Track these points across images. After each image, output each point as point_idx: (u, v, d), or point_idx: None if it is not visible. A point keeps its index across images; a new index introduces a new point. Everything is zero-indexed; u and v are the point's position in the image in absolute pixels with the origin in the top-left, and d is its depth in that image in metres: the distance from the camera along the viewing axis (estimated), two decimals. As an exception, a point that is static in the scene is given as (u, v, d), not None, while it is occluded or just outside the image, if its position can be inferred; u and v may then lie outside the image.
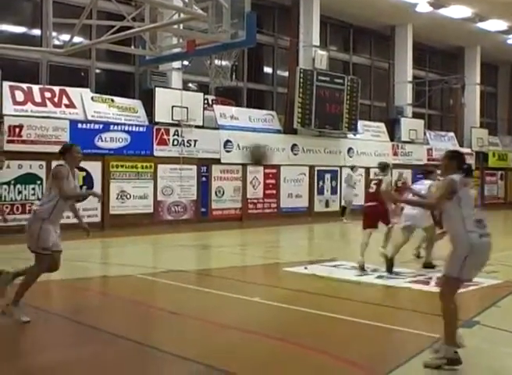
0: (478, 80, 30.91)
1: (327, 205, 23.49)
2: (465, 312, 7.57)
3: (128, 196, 17.81)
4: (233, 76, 18.48)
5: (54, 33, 12.92)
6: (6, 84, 16.05)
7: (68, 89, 17.22)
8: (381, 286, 9.36)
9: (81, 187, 16.63)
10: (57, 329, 6.80)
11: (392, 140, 26.25)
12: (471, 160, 29.58)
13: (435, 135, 29.02)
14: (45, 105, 16.61)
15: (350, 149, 24.23)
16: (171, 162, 18.75)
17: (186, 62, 19.78)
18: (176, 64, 19.26)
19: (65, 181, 6.62)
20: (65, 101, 17.04)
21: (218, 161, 19.95)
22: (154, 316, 7.62)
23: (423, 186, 10.30)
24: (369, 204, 10.79)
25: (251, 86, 23.37)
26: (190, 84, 21.68)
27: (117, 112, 18.04)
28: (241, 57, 21.64)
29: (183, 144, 19.02)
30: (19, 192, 15.61)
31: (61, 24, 13.30)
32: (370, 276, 10.01)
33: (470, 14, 24.77)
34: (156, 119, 18.40)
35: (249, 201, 20.92)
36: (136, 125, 18.13)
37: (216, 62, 17.13)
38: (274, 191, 21.71)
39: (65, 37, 14.19)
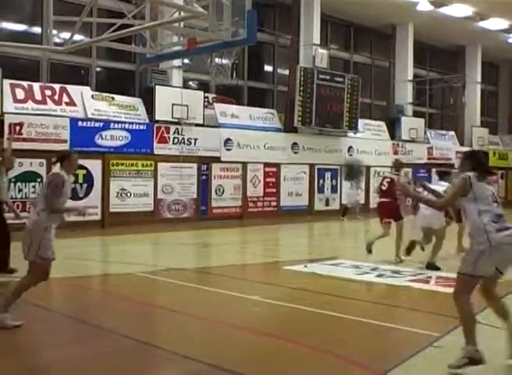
0: (479, 79, 30.90)
1: (327, 203, 23.50)
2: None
3: (128, 194, 17.82)
4: (234, 74, 18.47)
5: (54, 31, 12.88)
6: (7, 82, 16.04)
7: (68, 87, 17.22)
8: (381, 284, 9.37)
9: (81, 185, 16.68)
10: (58, 327, 6.79)
11: (392, 138, 26.25)
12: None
13: (436, 134, 29.01)
14: (46, 103, 16.61)
15: (350, 148, 24.23)
16: (171, 160, 18.75)
17: (186, 61, 19.79)
18: (177, 62, 19.27)
19: (58, 194, 6.43)
20: (65, 99, 17.04)
21: (218, 159, 19.95)
22: (154, 314, 7.62)
23: (440, 187, 10.06)
24: (383, 200, 11.47)
25: (252, 84, 23.36)
26: (191, 82, 21.68)
27: (117, 110, 18.04)
28: (242, 55, 21.63)
29: (184, 143, 19.02)
30: (20, 190, 15.62)
31: (61, 22, 13.28)
32: (370, 274, 10.01)
33: (471, 13, 24.76)
34: (156, 118, 18.40)
35: (249, 199, 20.93)
36: (136, 123, 18.14)
37: (217, 60, 17.10)
38: (274, 190, 21.71)
39: (66, 34, 14.17)
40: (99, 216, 17.19)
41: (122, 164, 17.75)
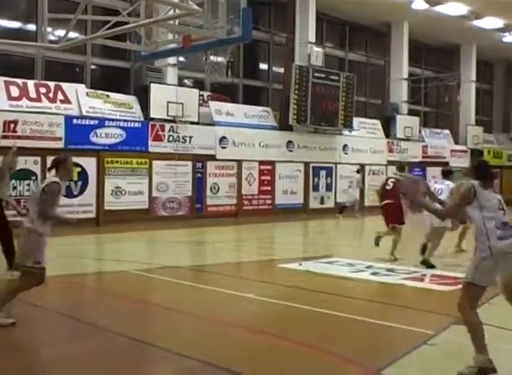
0: (474, 78, 30.95)
1: (322, 201, 23.52)
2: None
3: (123, 192, 17.79)
4: (229, 72, 18.47)
5: (49, 29, 12.84)
6: (1, 79, 16.00)
7: (63, 84, 17.17)
8: (375, 283, 9.39)
9: (75, 183, 16.65)
10: (53, 325, 6.78)
11: (387, 137, 26.28)
12: (466, 158, 29.70)
13: (431, 132, 29.06)
14: (40, 101, 16.56)
15: (345, 146, 24.25)
16: (166, 158, 18.73)
17: (181, 58, 19.76)
18: (172, 60, 19.24)
19: (53, 202, 6.38)
20: (60, 96, 16.99)
21: (213, 157, 19.93)
22: (149, 312, 7.62)
23: (444, 186, 10.72)
24: (387, 201, 11.39)
25: (247, 82, 23.34)
26: (186, 80, 21.64)
27: (112, 107, 18.01)
28: (237, 53, 21.61)
29: (179, 141, 19.00)
30: (14, 188, 15.55)
31: (56, 19, 13.28)
32: (365, 272, 10.03)
33: (466, 11, 24.78)
34: (151, 115, 18.38)
35: (244, 197, 20.92)
36: (131, 121, 18.11)
37: (212, 58, 17.09)
38: (269, 188, 21.71)
39: (61, 32, 14.13)
40: (94, 214, 17.16)
41: (117, 162, 17.71)
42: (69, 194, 16.04)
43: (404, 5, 24.20)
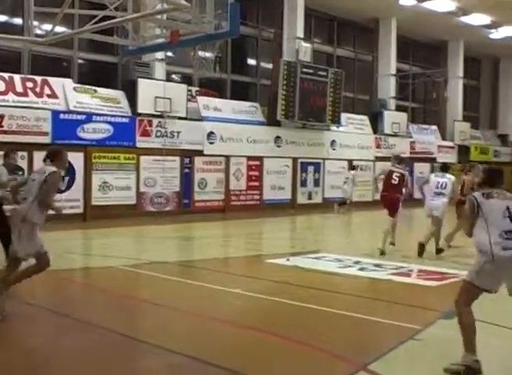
0: (461, 74, 31.07)
1: (310, 197, 23.54)
2: (445, 303, 7.64)
3: (110, 187, 17.72)
4: (217, 67, 18.43)
5: (36, 22, 12.78)
6: (-13, 74, 15.90)
7: (50, 79, 17.05)
8: (363, 278, 9.42)
9: (63, 178, 16.52)
10: (40, 321, 6.74)
11: (375, 132, 26.34)
12: (453, 154, 29.85)
13: (418, 128, 29.16)
14: (27, 95, 16.45)
15: (333, 142, 24.27)
16: (154, 153, 18.67)
17: (169, 54, 19.68)
18: (160, 55, 19.16)
19: (54, 191, 6.67)
20: (47, 91, 16.88)
21: (201, 152, 19.90)
22: (137, 307, 7.61)
23: (446, 179, 11.30)
24: (392, 194, 11.81)
25: (235, 78, 23.29)
26: (174, 75, 21.57)
27: (100, 102, 17.92)
28: (225, 49, 21.58)
29: (166, 136, 18.94)
30: None
31: (43, 13, 13.17)
32: (352, 268, 10.05)
33: (453, 8, 24.85)
34: (139, 111, 18.31)
35: (232, 192, 20.91)
36: (118, 116, 18.03)
37: (200, 53, 17.06)
38: (257, 183, 21.71)
39: (48, 26, 14.04)
40: (81, 210, 17.09)
41: (105, 157, 17.64)
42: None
43: (392, 1, 24.25)
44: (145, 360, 5.46)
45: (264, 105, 22.47)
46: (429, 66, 30.05)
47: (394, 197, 11.76)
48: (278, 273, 9.52)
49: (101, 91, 18.16)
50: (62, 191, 16.44)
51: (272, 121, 22.13)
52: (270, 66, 23.22)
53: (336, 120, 23.80)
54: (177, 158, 19.31)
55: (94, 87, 18.01)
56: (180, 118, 19.23)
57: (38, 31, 15.16)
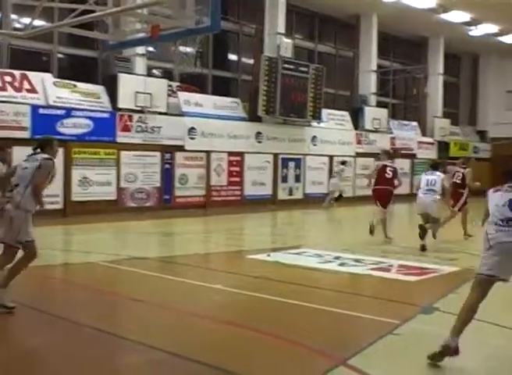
0: (441, 71, 31.25)
1: (291, 192, 23.59)
2: (425, 298, 7.71)
3: (90, 183, 17.61)
4: (198, 62, 18.36)
5: (14, 16, 12.63)
6: (-35, 68, 15.71)
7: (29, 73, 16.89)
8: (343, 273, 9.45)
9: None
10: (19, 318, 6.66)
11: (356, 128, 26.42)
12: (432, 150, 30.06)
13: (399, 124, 29.33)
14: (5, 90, 16.28)
15: (314, 137, 24.32)
16: (134, 148, 18.58)
17: (150, 48, 19.58)
18: (140, 50, 19.05)
19: (47, 177, 6.66)
20: (26, 85, 16.72)
21: (182, 148, 19.84)
22: (117, 303, 7.58)
23: (436, 176, 11.69)
24: (386, 187, 12.72)
25: (216, 73, 23.22)
26: (155, 70, 21.46)
27: (80, 97, 17.79)
28: (206, 44, 21.51)
29: (147, 131, 18.86)
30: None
31: (21, 6, 13.01)
32: (332, 263, 10.09)
33: (434, 5, 24.96)
34: (119, 106, 18.20)
35: (213, 188, 20.88)
36: (99, 111, 17.91)
37: (181, 48, 16.99)
38: (238, 179, 21.70)
39: (26, 19, 13.88)
40: (61, 205, 16.96)
41: (85, 152, 17.52)
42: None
43: (373, -3, 24.33)
44: (126, 356, 5.45)
45: (246, 100, 22.45)
46: (410, 63, 30.20)
47: (388, 190, 12.70)
48: (258, 269, 9.54)
49: (81, 85, 18.02)
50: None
51: (253, 117, 22.12)
52: (251, 61, 23.20)
53: (317, 116, 23.85)
54: (158, 154, 19.24)
55: (73, 82, 17.86)
56: (161, 113, 19.15)
57: (17, 25, 15.02)
